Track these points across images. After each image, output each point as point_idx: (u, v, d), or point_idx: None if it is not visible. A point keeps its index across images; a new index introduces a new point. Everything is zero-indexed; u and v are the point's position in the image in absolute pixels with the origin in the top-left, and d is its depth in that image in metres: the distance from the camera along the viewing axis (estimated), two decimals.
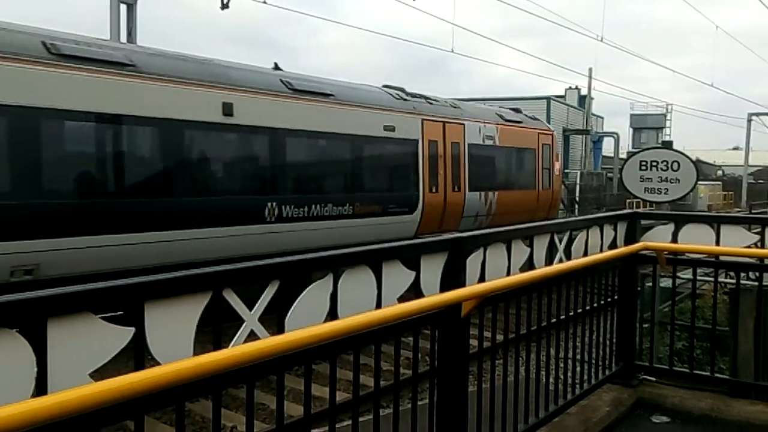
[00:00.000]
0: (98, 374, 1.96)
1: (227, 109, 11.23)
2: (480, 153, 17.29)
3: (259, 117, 11.81)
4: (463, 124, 16.72)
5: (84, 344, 1.91)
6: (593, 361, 5.16)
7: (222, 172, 11.93)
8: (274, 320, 2.55)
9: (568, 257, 4.75)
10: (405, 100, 15.50)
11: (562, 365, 4.76)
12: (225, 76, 11.65)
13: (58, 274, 9.14)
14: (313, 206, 12.67)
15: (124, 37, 19.61)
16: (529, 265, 4.21)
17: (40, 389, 1.81)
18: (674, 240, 5.45)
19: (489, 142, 17.65)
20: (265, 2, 19.86)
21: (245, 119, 11.60)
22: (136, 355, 2.06)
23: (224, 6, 20.10)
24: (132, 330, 2.03)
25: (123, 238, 9.87)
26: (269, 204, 11.91)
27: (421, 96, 16.34)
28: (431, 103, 16.34)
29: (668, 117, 57.10)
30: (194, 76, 11.04)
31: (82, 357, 1.91)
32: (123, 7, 20.02)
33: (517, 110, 20.65)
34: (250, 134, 11.93)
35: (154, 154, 10.89)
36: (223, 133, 11.51)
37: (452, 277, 3.42)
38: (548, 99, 44.31)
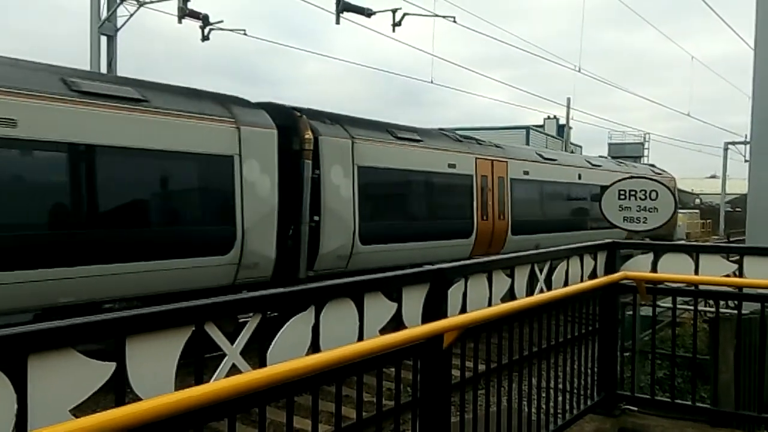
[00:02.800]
0: (78, 410, 1.95)
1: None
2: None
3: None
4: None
5: (65, 380, 1.90)
6: (575, 391, 5.17)
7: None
8: (256, 351, 2.55)
9: (549, 287, 4.78)
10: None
11: (544, 395, 4.77)
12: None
13: None
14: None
15: (104, 68, 19.67)
16: (510, 295, 4.24)
17: (20, 427, 1.79)
18: (654, 269, 5.51)
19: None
20: (245, 34, 20.02)
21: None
22: (117, 390, 2.05)
23: (204, 38, 20.25)
24: (113, 365, 2.03)
25: None
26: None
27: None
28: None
29: (646, 146, 57.75)
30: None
31: (63, 393, 1.90)
32: (103, 39, 20.12)
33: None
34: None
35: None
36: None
37: (434, 308, 3.44)
38: (527, 128, 44.87)
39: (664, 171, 30.06)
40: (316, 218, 12.82)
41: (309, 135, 12.72)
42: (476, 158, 17.54)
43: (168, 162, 10.60)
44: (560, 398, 4.94)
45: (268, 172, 11.81)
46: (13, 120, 8.61)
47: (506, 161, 18.88)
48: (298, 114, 13.18)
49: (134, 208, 10.47)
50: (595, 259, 5.49)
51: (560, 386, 4.96)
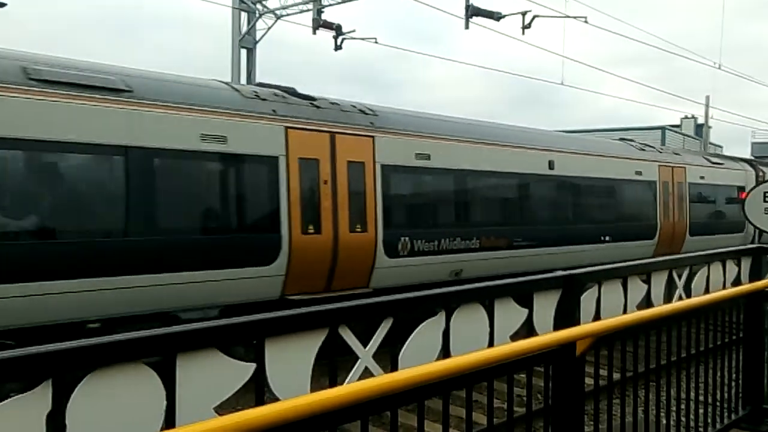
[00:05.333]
0: (220, 408, 2.04)
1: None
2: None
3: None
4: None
5: (209, 379, 1.98)
6: (718, 404, 4.87)
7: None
8: (387, 354, 2.56)
9: (688, 294, 4.54)
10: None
11: (684, 407, 4.52)
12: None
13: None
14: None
15: (243, 79, 20.67)
16: (646, 302, 4.05)
17: (169, 422, 1.89)
18: None
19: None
20: (376, 42, 20.39)
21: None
22: (257, 390, 2.12)
23: (337, 47, 20.81)
24: (253, 366, 2.09)
25: None
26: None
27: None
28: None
29: None
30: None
31: (208, 391, 1.99)
32: (243, 52, 21.14)
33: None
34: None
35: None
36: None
37: (566, 315, 3.34)
38: (663, 129, 42.82)
39: (742, 159, 28.60)
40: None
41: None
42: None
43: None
44: (701, 411, 4.67)
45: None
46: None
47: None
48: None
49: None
50: (738, 264, 5.17)
51: (701, 398, 4.69)
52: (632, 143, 19.52)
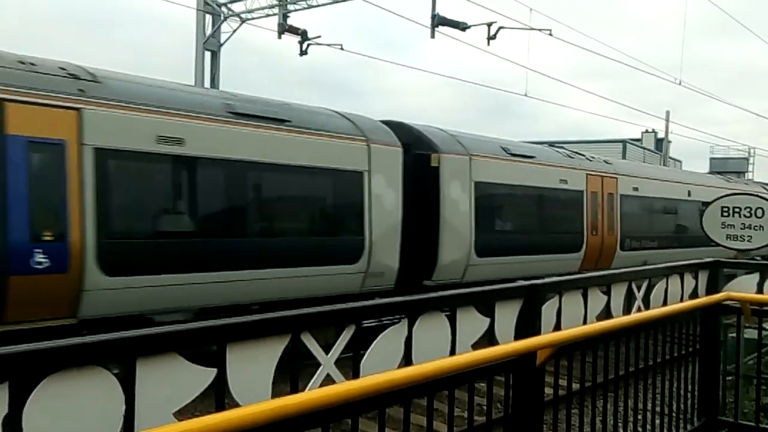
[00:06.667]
0: (180, 414, 2.03)
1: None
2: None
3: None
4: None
5: (169, 383, 1.97)
6: (674, 415, 4.97)
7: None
8: (348, 361, 2.57)
9: (647, 306, 4.62)
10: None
11: (640, 418, 4.60)
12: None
13: None
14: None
15: (207, 82, 20.48)
16: (606, 313, 4.12)
17: (128, 427, 1.88)
18: (760, 290, 5.24)
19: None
20: (342, 48, 20.43)
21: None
22: (218, 395, 2.12)
23: (303, 53, 20.78)
24: (214, 371, 2.09)
25: None
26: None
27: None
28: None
29: (751, 161, 55.04)
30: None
31: (168, 396, 1.98)
32: (207, 54, 20.96)
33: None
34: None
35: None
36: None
37: (527, 325, 3.38)
38: (624, 142, 43.45)
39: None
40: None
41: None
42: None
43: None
44: (658, 421, 4.75)
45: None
46: None
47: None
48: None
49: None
50: (696, 278, 5.28)
51: (658, 409, 4.77)
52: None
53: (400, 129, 13.25)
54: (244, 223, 10.59)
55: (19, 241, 7.89)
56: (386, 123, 13.37)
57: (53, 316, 8.31)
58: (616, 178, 18.73)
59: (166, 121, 9.13)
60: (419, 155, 13.16)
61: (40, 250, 8.00)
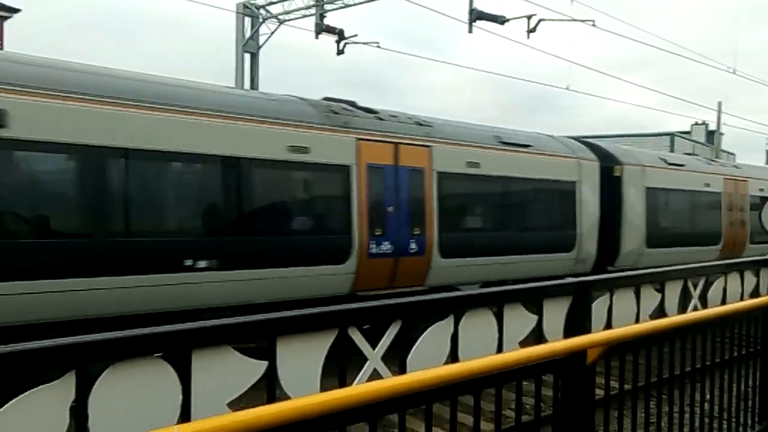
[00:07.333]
0: (233, 405, 2.12)
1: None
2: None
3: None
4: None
5: (223, 375, 2.07)
6: (733, 418, 4.85)
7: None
8: (394, 356, 2.63)
9: (704, 305, 4.54)
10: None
11: (696, 422, 4.51)
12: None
13: None
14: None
15: (247, 84, 20.81)
16: (659, 311, 4.07)
17: (185, 416, 1.98)
18: None
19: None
20: (379, 46, 20.49)
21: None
22: (269, 388, 2.20)
23: (340, 52, 20.92)
24: (265, 364, 2.18)
25: None
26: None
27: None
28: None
29: None
30: None
31: (221, 387, 2.07)
32: (247, 57, 21.26)
33: None
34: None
35: None
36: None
37: (577, 323, 3.38)
38: (671, 135, 42.10)
39: None
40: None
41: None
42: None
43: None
44: (715, 425, 4.65)
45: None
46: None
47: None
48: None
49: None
50: (757, 275, 5.15)
51: (716, 413, 4.67)
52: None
53: (590, 146, 17.01)
54: (510, 223, 14.58)
55: (402, 234, 12.10)
56: (578, 141, 17.26)
57: (414, 284, 12.38)
58: (747, 181, 21.98)
59: (473, 152, 13.56)
60: (604, 167, 16.54)
61: (413, 241, 12.25)
